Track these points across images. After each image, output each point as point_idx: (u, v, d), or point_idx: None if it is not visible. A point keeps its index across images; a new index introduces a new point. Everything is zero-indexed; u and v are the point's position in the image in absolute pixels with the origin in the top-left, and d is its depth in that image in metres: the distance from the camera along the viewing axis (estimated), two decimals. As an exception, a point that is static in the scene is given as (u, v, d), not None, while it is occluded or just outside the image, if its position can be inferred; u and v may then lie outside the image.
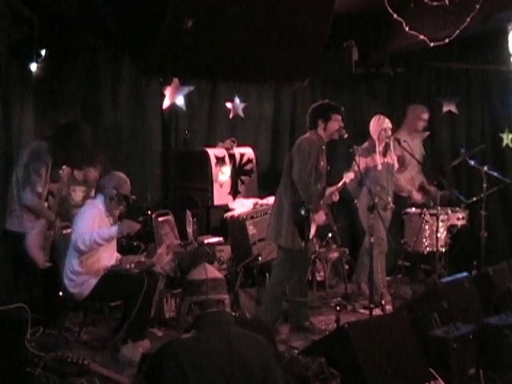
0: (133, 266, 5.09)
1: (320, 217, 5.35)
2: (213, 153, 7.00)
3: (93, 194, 5.84)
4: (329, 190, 5.44)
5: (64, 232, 5.38)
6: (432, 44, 6.05)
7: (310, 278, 6.33)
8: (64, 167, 5.75)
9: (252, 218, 6.71)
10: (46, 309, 5.14)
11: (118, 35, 6.27)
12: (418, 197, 7.20)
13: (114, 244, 5.19)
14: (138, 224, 5.15)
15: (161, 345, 2.77)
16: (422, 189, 7.41)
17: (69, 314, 5.32)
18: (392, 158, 6.56)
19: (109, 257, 5.10)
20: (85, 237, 4.82)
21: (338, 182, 5.74)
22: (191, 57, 6.22)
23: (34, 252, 5.35)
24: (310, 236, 5.41)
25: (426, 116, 7.51)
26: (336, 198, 5.61)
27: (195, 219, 6.23)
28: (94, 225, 4.92)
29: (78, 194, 5.99)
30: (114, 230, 4.93)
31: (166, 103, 7.06)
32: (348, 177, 5.58)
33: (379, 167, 6.37)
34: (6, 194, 5.40)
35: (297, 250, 5.27)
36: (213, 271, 3.00)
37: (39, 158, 5.34)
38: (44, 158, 5.36)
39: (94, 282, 4.93)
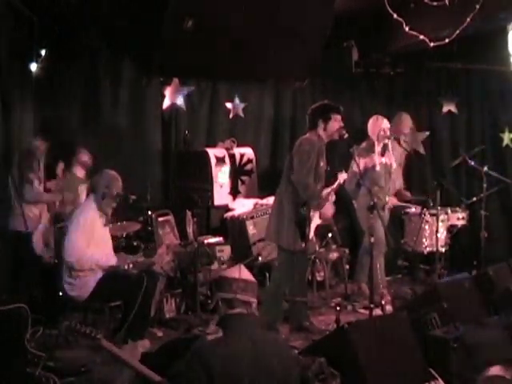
0: (131, 266, 5.08)
1: (327, 210, 5.46)
2: (213, 153, 7.00)
3: None
4: (325, 191, 5.44)
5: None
6: (432, 44, 6.05)
7: (310, 278, 6.33)
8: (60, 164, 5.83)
9: (252, 218, 6.70)
10: (46, 309, 5.14)
11: (119, 35, 6.28)
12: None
13: (109, 243, 5.19)
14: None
15: (193, 348, 2.79)
16: (398, 192, 7.33)
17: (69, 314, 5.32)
18: (390, 159, 6.55)
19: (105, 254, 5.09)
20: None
21: (334, 183, 5.73)
22: (191, 57, 6.23)
23: (41, 248, 5.38)
24: (310, 236, 5.41)
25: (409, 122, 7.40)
26: (332, 198, 5.60)
27: (195, 219, 6.22)
28: (85, 230, 4.87)
29: (84, 193, 5.97)
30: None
31: (166, 103, 7.06)
32: (342, 177, 5.58)
33: (377, 167, 6.36)
34: (7, 194, 5.42)
35: (297, 251, 5.27)
36: (246, 273, 3.05)
37: (28, 154, 5.48)
38: (34, 153, 5.48)
39: (92, 283, 4.92)
